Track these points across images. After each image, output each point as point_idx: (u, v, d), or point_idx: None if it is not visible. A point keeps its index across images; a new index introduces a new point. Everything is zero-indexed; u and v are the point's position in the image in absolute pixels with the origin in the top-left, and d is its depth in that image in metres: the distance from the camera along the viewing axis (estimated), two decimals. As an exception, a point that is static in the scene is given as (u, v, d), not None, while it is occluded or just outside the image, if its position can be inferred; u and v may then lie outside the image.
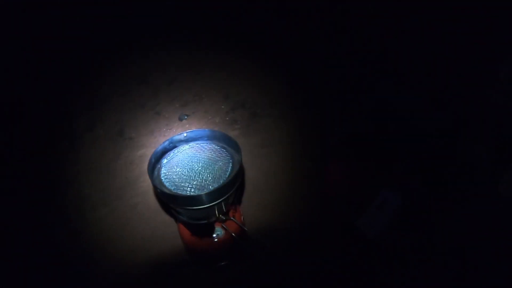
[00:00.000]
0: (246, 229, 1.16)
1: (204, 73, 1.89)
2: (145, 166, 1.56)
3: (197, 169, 1.02)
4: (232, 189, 0.99)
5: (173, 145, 1.11)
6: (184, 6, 1.88)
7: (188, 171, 1.02)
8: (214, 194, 0.94)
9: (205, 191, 0.94)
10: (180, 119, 1.65)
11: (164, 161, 1.07)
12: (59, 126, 1.72)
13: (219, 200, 0.96)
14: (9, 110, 1.74)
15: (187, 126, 1.65)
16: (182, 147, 1.10)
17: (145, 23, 1.89)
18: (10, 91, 1.77)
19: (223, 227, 1.12)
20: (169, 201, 0.96)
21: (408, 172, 1.59)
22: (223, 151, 1.08)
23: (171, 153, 1.09)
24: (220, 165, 1.03)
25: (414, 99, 1.71)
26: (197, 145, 1.11)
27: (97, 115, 1.74)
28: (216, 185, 0.96)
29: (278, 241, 1.39)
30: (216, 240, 1.14)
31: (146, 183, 1.54)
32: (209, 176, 1.00)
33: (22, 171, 1.57)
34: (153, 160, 1.03)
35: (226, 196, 0.98)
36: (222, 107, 1.74)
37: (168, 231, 1.38)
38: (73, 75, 1.85)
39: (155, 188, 0.96)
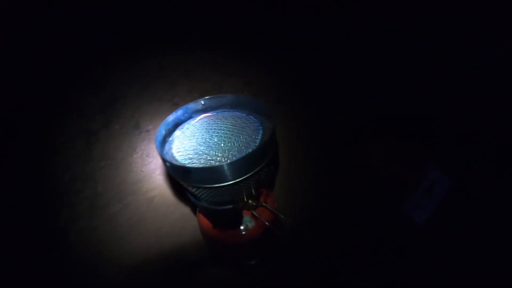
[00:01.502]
0: (283, 217, 0.90)
1: (223, 64, 1.79)
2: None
3: (218, 139, 0.80)
4: (262, 162, 0.76)
5: (188, 116, 0.91)
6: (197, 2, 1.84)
7: (207, 141, 0.80)
8: (239, 166, 0.71)
9: (228, 161, 0.72)
10: (201, 105, 1.50)
11: (177, 133, 0.86)
12: (74, 124, 1.67)
13: (247, 175, 0.73)
14: (22, 110, 1.73)
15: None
16: (199, 117, 0.90)
17: (159, 18, 1.86)
18: (23, 91, 1.77)
19: (253, 216, 0.88)
20: (182, 177, 0.74)
21: (459, 150, 1.29)
22: (250, 117, 0.86)
23: (186, 124, 0.89)
24: (248, 131, 0.81)
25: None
26: (217, 114, 0.90)
27: (113, 111, 1.68)
28: (241, 155, 0.73)
29: (316, 231, 1.15)
30: (244, 233, 0.90)
31: (163, 176, 1.40)
32: (234, 145, 0.78)
33: (36, 171, 1.51)
34: (163, 132, 0.84)
35: (256, 170, 0.74)
36: (245, 93, 1.58)
37: (187, 225, 1.20)
38: (86, 73, 1.84)
39: (164, 162, 0.75)
